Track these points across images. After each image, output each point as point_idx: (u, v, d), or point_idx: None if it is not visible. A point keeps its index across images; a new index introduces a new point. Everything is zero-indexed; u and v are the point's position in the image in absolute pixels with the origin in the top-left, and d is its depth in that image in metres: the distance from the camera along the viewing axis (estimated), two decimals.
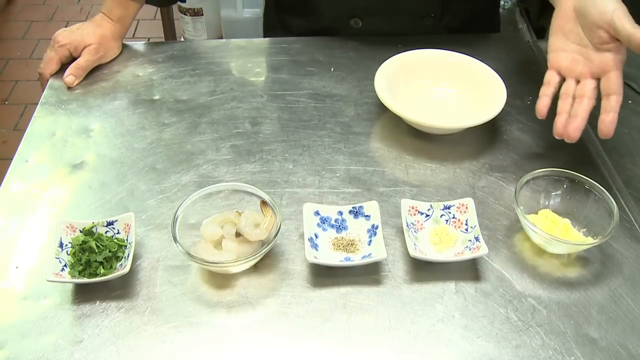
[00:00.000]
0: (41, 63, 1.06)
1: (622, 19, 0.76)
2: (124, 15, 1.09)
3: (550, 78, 0.86)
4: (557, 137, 0.82)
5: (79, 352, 0.67)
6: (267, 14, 1.28)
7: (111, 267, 0.74)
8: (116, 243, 0.75)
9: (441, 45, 1.04)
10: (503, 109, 0.92)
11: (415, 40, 1.06)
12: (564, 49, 0.84)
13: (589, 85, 0.82)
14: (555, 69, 0.86)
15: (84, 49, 1.05)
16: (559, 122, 0.81)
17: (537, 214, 0.81)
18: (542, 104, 0.85)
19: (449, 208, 0.80)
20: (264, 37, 1.28)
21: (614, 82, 0.79)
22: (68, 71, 1.03)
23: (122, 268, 0.72)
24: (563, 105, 0.82)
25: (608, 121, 0.78)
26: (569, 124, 0.80)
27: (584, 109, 0.81)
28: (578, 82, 0.83)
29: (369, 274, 0.75)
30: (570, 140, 0.81)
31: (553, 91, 0.85)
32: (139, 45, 1.15)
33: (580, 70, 0.83)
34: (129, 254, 0.73)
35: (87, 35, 1.05)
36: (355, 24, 1.14)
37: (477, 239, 0.76)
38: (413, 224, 0.79)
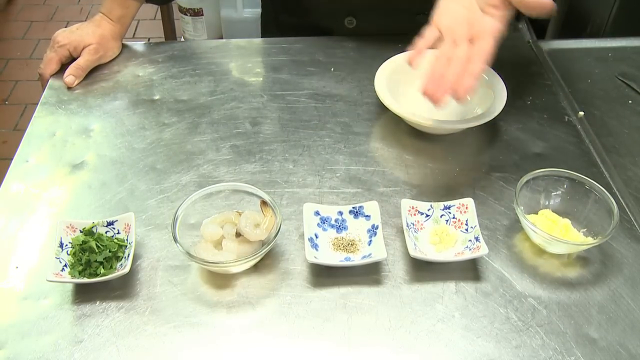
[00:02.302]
0: (41, 63, 1.06)
1: None
2: (123, 15, 1.09)
3: (429, 33, 0.85)
4: (422, 94, 0.80)
5: (79, 352, 0.67)
6: (264, 14, 1.28)
7: (111, 267, 0.74)
8: (116, 243, 0.75)
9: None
10: (503, 109, 0.92)
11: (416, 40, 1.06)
12: (450, 10, 0.84)
13: (463, 49, 0.80)
14: (437, 26, 0.85)
15: (83, 49, 1.05)
16: (428, 83, 0.80)
17: (537, 214, 0.81)
18: (414, 54, 0.83)
19: (449, 208, 0.80)
20: (262, 36, 1.28)
21: (484, 48, 0.79)
22: (68, 71, 1.03)
23: (122, 268, 0.72)
24: (436, 67, 0.81)
25: (464, 85, 0.78)
26: (438, 86, 0.79)
27: (453, 72, 0.79)
28: (456, 45, 0.82)
29: (369, 274, 0.75)
30: (436, 103, 0.79)
31: (427, 45, 0.84)
32: (139, 45, 1.15)
33: (459, 33, 0.82)
34: (129, 254, 0.73)
35: (87, 35, 1.05)
36: (350, 23, 1.14)
37: (477, 239, 0.76)
38: (413, 224, 0.79)
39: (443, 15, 0.85)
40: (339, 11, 1.13)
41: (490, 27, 0.81)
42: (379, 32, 1.10)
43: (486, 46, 0.80)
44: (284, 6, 1.20)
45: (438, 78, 0.79)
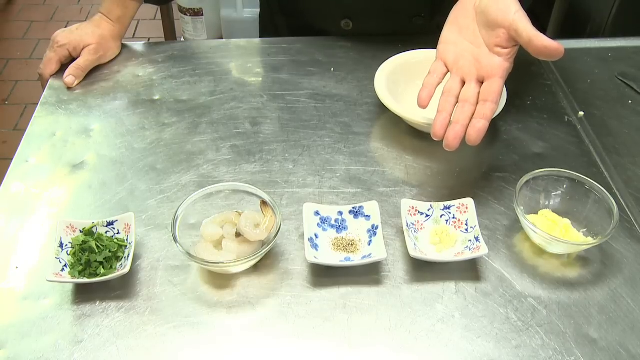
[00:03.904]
0: (41, 64, 1.06)
1: (524, 21, 0.76)
2: (123, 15, 1.09)
3: (436, 68, 0.83)
4: (435, 139, 0.78)
5: (79, 352, 0.67)
6: (262, 15, 1.28)
7: (111, 267, 0.74)
8: (116, 243, 0.75)
9: None
10: (503, 109, 0.92)
11: (415, 40, 1.06)
12: (455, 43, 0.83)
13: (473, 89, 0.79)
14: (443, 60, 0.84)
15: (83, 49, 1.05)
16: (439, 122, 0.78)
17: (537, 214, 0.81)
18: (425, 94, 0.81)
19: (449, 208, 0.80)
20: (260, 37, 1.28)
21: (494, 89, 0.78)
22: (68, 71, 1.03)
23: (122, 268, 0.72)
24: (444, 104, 0.79)
25: (477, 128, 0.76)
26: (450, 131, 0.77)
27: (465, 115, 0.78)
28: (463, 82, 0.81)
29: (369, 274, 0.75)
30: (449, 149, 0.77)
31: (437, 81, 0.83)
32: (139, 45, 1.15)
33: (466, 70, 0.81)
34: (129, 254, 0.73)
35: (86, 35, 1.05)
36: (346, 26, 1.14)
37: (477, 239, 0.76)
38: (413, 224, 0.79)
39: (449, 49, 0.83)
40: (336, 14, 1.13)
41: (499, 67, 0.78)
42: (374, 34, 1.10)
43: (496, 87, 0.78)
44: (281, 8, 1.20)
45: (447, 119, 0.78)
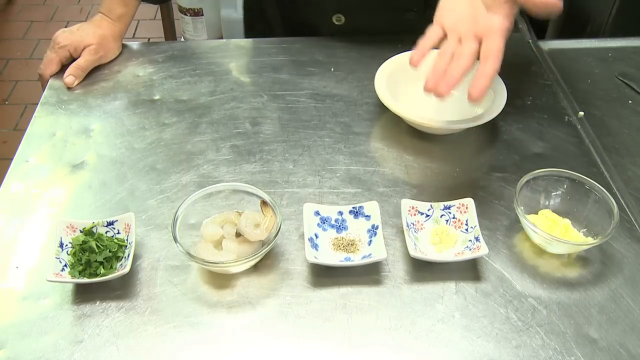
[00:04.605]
0: (41, 64, 1.06)
1: None
2: (124, 14, 1.09)
3: (432, 32, 0.82)
4: (425, 93, 0.77)
5: (79, 352, 0.67)
6: (248, 9, 1.26)
7: (111, 267, 0.74)
8: (116, 243, 0.75)
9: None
10: (503, 109, 0.92)
11: (416, 39, 1.06)
12: (453, 8, 0.82)
13: (469, 46, 0.78)
14: (440, 24, 0.82)
15: (84, 49, 1.05)
16: (431, 78, 0.77)
17: (537, 214, 0.81)
18: (417, 54, 0.80)
19: (449, 208, 0.80)
20: (245, 34, 1.27)
21: (493, 46, 0.76)
22: (68, 71, 1.03)
23: (122, 268, 0.72)
24: (439, 62, 0.78)
25: (479, 86, 0.75)
26: (442, 81, 0.76)
27: (460, 68, 0.76)
28: (460, 41, 0.80)
29: (369, 274, 0.75)
30: (438, 97, 0.76)
31: (431, 45, 0.81)
32: (139, 45, 1.15)
33: (464, 30, 0.79)
34: (129, 254, 0.73)
35: (87, 35, 1.05)
36: (338, 20, 1.13)
37: (477, 239, 0.76)
38: (413, 224, 0.79)
39: (446, 14, 0.82)
40: (328, 8, 1.12)
41: (498, 25, 0.77)
42: (367, 29, 1.09)
43: (496, 44, 0.76)
44: (270, 5, 1.18)
45: (440, 74, 0.77)
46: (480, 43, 0.78)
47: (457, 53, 0.78)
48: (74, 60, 1.05)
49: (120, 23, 1.09)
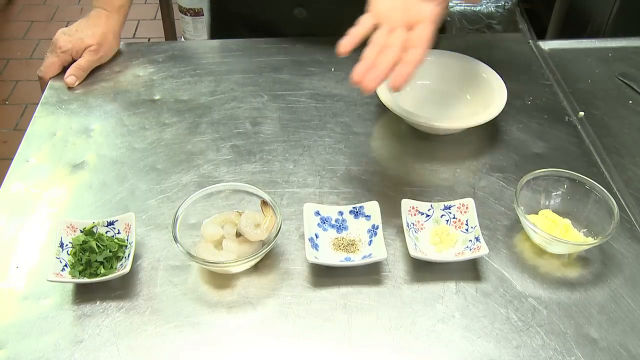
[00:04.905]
0: (42, 66, 1.05)
1: None
2: (123, 4, 1.08)
3: (364, 21, 0.80)
4: (352, 84, 0.75)
5: (79, 352, 0.67)
6: (212, 8, 1.25)
7: (111, 267, 0.74)
8: (117, 243, 0.75)
9: (441, 45, 1.04)
10: (503, 109, 0.92)
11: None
12: None
13: (399, 35, 0.76)
14: (373, 12, 0.81)
15: (84, 50, 1.05)
16: (358, 69, 0.74)
17: (537, 214, 0.81)
18: (347, 41, 0.78)
19: (449, 208, 0.80)
20: (212, 32, 1.26)
21: (422, 35, 0.76)
22: (69, 72, 1.03)
23: (123, 268, 0.72)
24: (369, 52, 0.76)
25: (401, 73, 0.73)
26: (369, 75, 0.74)
27: (387, 60, 0.74)
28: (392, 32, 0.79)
29: (369, 274, 0.75)
30: (365, 90, 0.74)
31: (363, 34, 0.79)
32: (139, 45, 1.15)
33: (395, 19, 0.78)
34: (129, 254, 0.73)
35: (87, 37, 1.05)
36: (299, 14, 1.12)
37: (477, 239, 0.76)
38: (413, 224, 0.79)
39: (379, 1, 0.82)
40: (288, 2, 1.11)
41: (429, 12, 0.77)
42: (330, 24, 1.07)
43: (425, 32, 0.76)
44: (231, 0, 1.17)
45: (369, 65, 0.75)
46: (410, 31, 0.77)
47: (386, 44, 0.77)
48: (74, 60, 1.05)
49: (119, 15, 1.08)
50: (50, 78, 1.05)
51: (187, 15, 2.43)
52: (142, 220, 0.81)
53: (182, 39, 2.49)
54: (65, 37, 1.05)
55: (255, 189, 0.79)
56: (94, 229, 0.77)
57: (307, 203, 0.80)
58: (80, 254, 0.74)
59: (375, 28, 0.79)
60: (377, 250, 0.75)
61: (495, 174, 0.89)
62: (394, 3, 0.80)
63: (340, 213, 0.80)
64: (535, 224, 0.76)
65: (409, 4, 0.79)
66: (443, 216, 0.80)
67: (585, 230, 0.79)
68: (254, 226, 0.75)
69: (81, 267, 0.73)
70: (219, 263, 0.72)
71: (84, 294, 0.72)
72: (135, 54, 1.12)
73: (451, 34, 2.03)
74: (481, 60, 1.00)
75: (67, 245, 0.75)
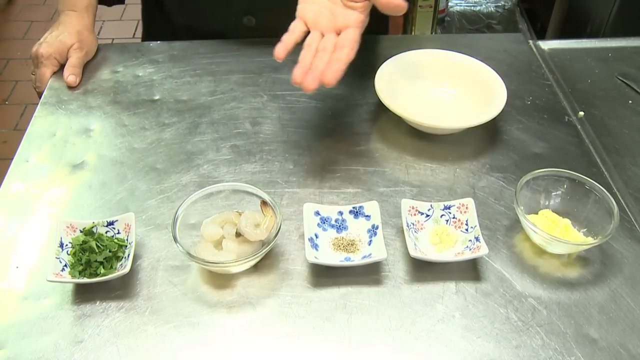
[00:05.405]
0: (34, 82, 1.05)
1: None
2: (90, 4, 1.09)
3: (295, 26, 0.86)
4: (294, 85, 0.80)
5: (79, 352, 0.67)
6: (146, 12, 1.25)
7: (111, 267, 0.74)
8: (116, 243, 0.75)
9: (441, 45, 1.04)
10: (503, 109, 0.92)
11: (415, 40, 1.06)
12: (314, 2, 0.86)
13: (330, 40, 0.83)
14: (302, 19, 0.86)
15: (68, 50, 1.05)
16: (297, 71, 0.80)
17: (537, 214, 0.81)
18: (281, 47, 0.84)
19: (449, 208, 0.80)
20: (144, 38, 1.26)
21: (349, 37, 0.82)
22: (66, 72, 1.03)
23: (123, 268, 0.72)
24: (304, 56, 0.83)
25: (333, 69, 0.79)
26: (308, 76, 0.79)
27: (322, 62, 0.81)
28: (323, 36, 0.85)
29: (369, 274, 0.75)
30: (306, 90, 0.80)
31: (295, 39, 0.85)
32: (138, 45, 1.15)
33: (324, 24, 0.85)
34: (129, 254, 0.73)
35: (65, 37, 1.05)
36: (249, 22, 1.13)
37: (477, 239, 0.76)
38: (413, 224, 0.79)
39: (308, 7, 0.87)
40: (237, 10, 1.12)
41: (354, 19, 0.83)
42: (278, 30, 1.07)
43: (352, 35, 0.82)
44: (172, 8, 1.17)
45: (307, 67, 0.81)
46: (339, 35, 0.84)
47: (320, 47, 0.83)
48: (62, 65, 1.05)
49: (88, 13, 1.09)
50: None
51: None
52: (142, 220, 0.81)
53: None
54: (44, 45, 1.04)
55: (255, 189, 0.79)
56: (94, 229, 0.77)
57: (307, 203, 0.80)
58: (80, 254, 0.74)
59: (305, 34, 0.85)
60: (377, 250, 0.75)
61: (495, 174, 0.89)
62: (321, 10, 0.86)
63: (340, 213, 0.80)
64: (535, 224, 0.76)
65: (334, 10, 0.85)
66: (443, 216, 0.80)
67: (585, 230, 0.79)
68: (254, 226, 0.75)
69: (81, 267, 0.73)
70: (218, 263, 0.72)
71: (83, 294, 0.72)
72: (135, 54, 1.12)
73: (451, 34, 2.04)
74: (481, 60, 1.00)
75: (67, 245, 0.75)
